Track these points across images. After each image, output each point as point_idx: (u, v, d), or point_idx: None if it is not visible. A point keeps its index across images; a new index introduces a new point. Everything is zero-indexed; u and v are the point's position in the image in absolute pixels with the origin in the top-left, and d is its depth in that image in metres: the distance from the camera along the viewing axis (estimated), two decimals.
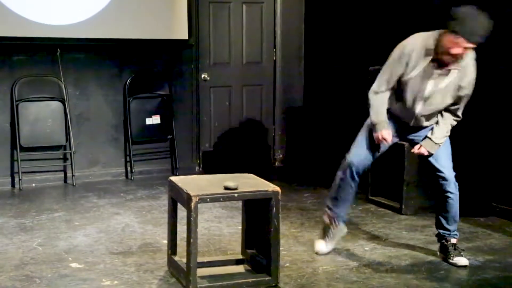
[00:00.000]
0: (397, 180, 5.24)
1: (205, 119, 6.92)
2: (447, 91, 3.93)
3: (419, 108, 4.00)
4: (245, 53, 7.04)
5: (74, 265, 4.05)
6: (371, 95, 4.06)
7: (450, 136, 4.10)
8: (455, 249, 4.13)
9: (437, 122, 4.05)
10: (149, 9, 6.38)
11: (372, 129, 4.10)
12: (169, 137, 6.68)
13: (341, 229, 4.30)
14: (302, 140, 7.26)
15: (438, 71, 3.88)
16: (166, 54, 6.63)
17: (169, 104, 6.64)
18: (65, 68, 6.15)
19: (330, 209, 4.29)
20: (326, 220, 4.31)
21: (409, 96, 3.99)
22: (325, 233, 4.30)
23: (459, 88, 3.91)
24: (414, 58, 3.88)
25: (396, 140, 4.20)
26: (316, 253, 4.26)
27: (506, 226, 4.91)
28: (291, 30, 7.20)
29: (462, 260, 4.07)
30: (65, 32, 6.10)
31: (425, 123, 4.09)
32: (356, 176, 4.14)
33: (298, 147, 7.29)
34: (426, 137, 4.06)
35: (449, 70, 3.86)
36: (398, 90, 4.04)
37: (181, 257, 3.80)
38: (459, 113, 4.05)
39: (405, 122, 4.12)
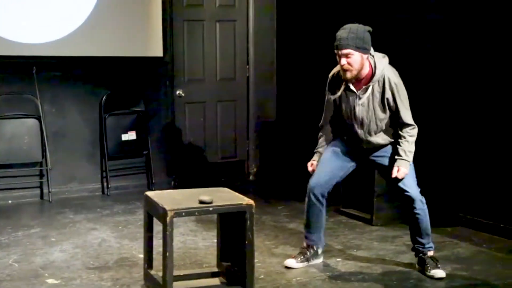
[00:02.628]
0: (368, 192, 5.30)
1: (180, 134, 6.94)
2: (374, 106, 4.04)
3: (359, 129, 4.13)
4: (219, 70, 7.09)
5: (50, 281, 4.03)
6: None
7: (416, 148, 4.15)
8: (433, 260, 4.17)
9: (398, 143, 4.10)
10: (125, 27, 6.42)
11: (328, 151, 4.28)
12: (144, 152, 6.69)
13: (318, 255, 4.37)
14: (276, 154, 7.31)
15: (355, 90, 4.05)
16: (141, 71, 6.65)
17: (145, 120, 6.65)
18: (41, 85, 6.14)
19: (306, 236, 4.37)
20: (304, 244, 4.38)
21: (347, 120, 4.17)
22: (300, 253, 4.35)
23: (386, 100, 4.02)
24: (332, 84, 4.15)
25: (357, 162, 4.29)
26: (285, 266, 4.29)
27: (472, 235, 4.97)
28: (263, 47, 7.27)
29: (439, 273, 4.11)
30: (41, 50, 6.11)
31: (377, 140, 4.15)
32: (321, 198, 4.22)
33: (271, 161, 7.34)
34: (395, 159, 4.08)
35: (363, 86, 4.02)
36: (340, 118, 4.22)
37: (157, 271, 3.80)
38: (407, 121, 4.06)
39: (359, 145, 4.22)
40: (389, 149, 4.18)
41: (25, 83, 6.15)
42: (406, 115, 4.07)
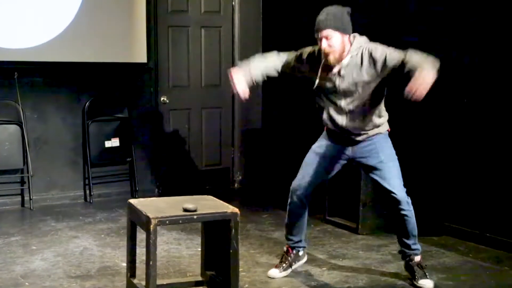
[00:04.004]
0: (354, 200, 5.29)
1: (164, 141, 6.91)
2: (357, 74, 3.91)
3: (342, 115, 4.01)
4: (204, 76, 7.08)
5: None
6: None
7: (399, 156, 4.12)
8: (420, 268, 4.14)
9: (409, 70, 3.71)
10: (108, 33, 6.39)
11: (313, 148, 4.20)
12: (128, 159, 6.66)
13: (300, 257, 4.35)
14: (261, 162, 7.31)
15: (334, 68, 3.95)
16: (125, 77, 6.62)
17: (128, 127, 6.62)
18: (23, 91, 6.10)
19: (286, 237, 4.35)
20: (284, 248, 4.37)
21: (331, 107, 4.05)
22: (282, 261, 4.34)
23: (372, 65, 3.88)
24: (311, 60, 4.07)
25: (342, 164, 4.21)
26: (268, 276, 4.27)
27: (458, 245, 4.98)
28: (249, 53, 7.16)
29: (427, 283, 4.09)
30: (22, 55, 6.06)
31: (362, 126, 4.01)
32: (304, 200, 4.19)
33: (257, 169, 7.33)
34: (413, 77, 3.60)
35: (340, 63, 3.92)
36: (321, 101, 4.11)
37: (140, 280, 3.77)
38: (406, 52, 3.81)
39: (344, 138, 4.10)
40: (375, 148, 4.07)
41: (6, 89, 6.10)
42: (398, 53, 3.83)
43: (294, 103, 6.85)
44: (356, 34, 3.99)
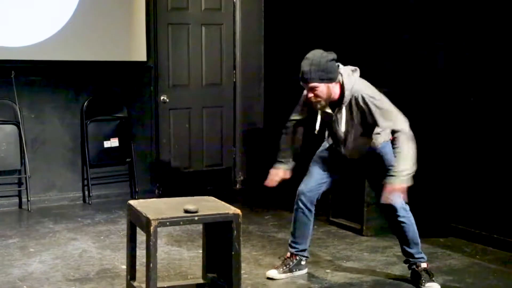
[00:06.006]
0: (358, 201, 5.26)
1: (164, 141, 6.88)
2: (353, 124, 4.00)
3: (341, 144, 4.13)
4: (204, 75, 7.04)
5: None
6: None
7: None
8: (427, 273, 4.11)
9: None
10: (107, 31, 6.35)
11: (318, 154, 4.29)
12: (127, 160, 6.62)
13: (302, 266, 4.34)
14: (263, 162, 7.24)
15: (331, 112, 4.03)
16: (124, 76, 6.59)
17: (128, 127, 6.59)
18: (20, 91, 6.06)
19: (290, 245, 4.35)
20: (288, 254, 4.36)
21: (332, 138, 4.20)
22: (283, 263, 4.33)
23: (367, 114, 3.95)
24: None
25: (346, 171, 4.27)
26: (267, 277, 4.26)
27: (465, 246, 4.96)
28: (250, 51, 7.24)
29: (433, 286, 4.06)
30: (20, 54, 6.03)
31: (361, 152, 4.11)
32: (309, 205, 4.22)
33: (259, 169, 7.27)
34: (389, 176, 3.86)
35: (337, 108, 4.00)
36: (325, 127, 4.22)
37: (140, 283, 3.75)
38: (395, 128, 3.90)
39: (344, 156, 4.19)
40: (375, 155, 4.11)
41: (3, 88, 6.07)
42: (386, 122, 3.93)
43: (296, 102, 6.78)
44: (344, 70, 3.97)
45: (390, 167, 3.96)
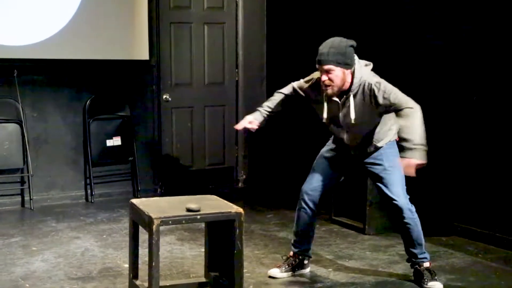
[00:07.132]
0: (360, 200, 5.25)
1: (166, 140, 6.86)
2: (359, 113, 3.94)
3: (344, 135, 4.09)
4: (207, 74, 7.02)
5: None
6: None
7: None
8: (430, 272, 4.10)
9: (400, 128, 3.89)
10: (109, 29, 6.34)
11: (322, 153, 4.26)
12: (130, 158, 6.61)
13: (304, 265, 4.33)
14: (265, 161, 7.26)
15: (338, 100, 3.98)
16: (126, 74, 6.58)
17: (130, 126, 6.58)
18: (22, 89, 6.05)
19: (293, 245, 4.34)
20: (290, 253, 4.35)
21: (332, 126, 4.14)
22: (285, 262, 4.32)
23: (374, 103, 3.90)
24: (315, 87, 4.10)
25: (349, 171, 4.26)
26: (269, 276, 4.26)
27: (467, 245, 4.95)
28: (253, 50, 7.23)
29: (436, 285, 4.05)
30: (22, 53, 6.02)
31: (364, 146, 4.09)
32: (311, 204, 4.20)
33: (261, 168, 7.28)
34: (403, 148, 3.81)
35: (344, 96, 3.96)
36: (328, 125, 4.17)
37: (142, 281, 3.75)
38: (406, 106, 3.84)
39: (348, 153, 4.17)
40: (380, 155, 4.10)
41: (6, 87, 6.06)
42: (401, 102, 3.85)
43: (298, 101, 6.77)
44: (359, 62, 3.96)
45: (390, 167, 3.99)
